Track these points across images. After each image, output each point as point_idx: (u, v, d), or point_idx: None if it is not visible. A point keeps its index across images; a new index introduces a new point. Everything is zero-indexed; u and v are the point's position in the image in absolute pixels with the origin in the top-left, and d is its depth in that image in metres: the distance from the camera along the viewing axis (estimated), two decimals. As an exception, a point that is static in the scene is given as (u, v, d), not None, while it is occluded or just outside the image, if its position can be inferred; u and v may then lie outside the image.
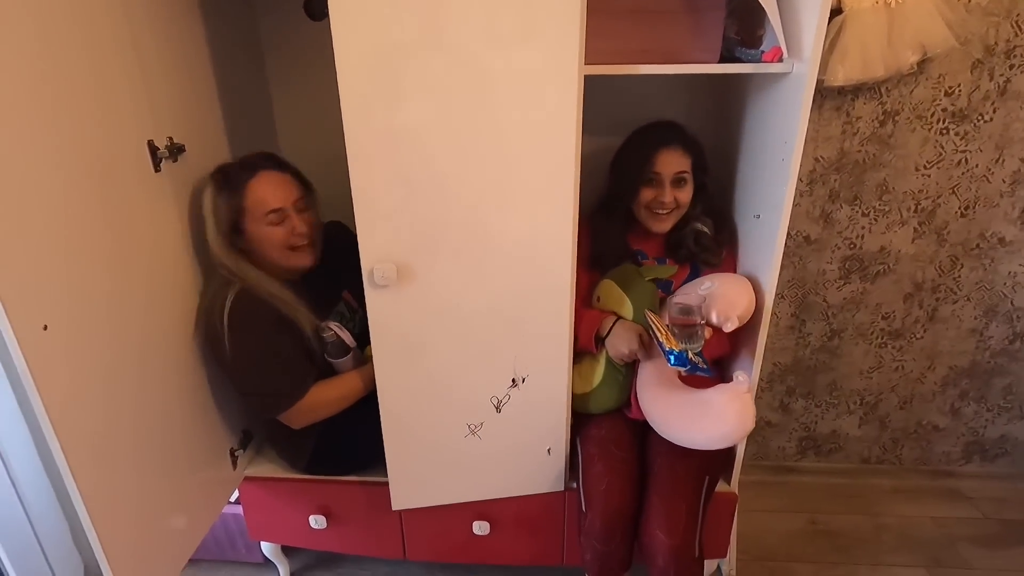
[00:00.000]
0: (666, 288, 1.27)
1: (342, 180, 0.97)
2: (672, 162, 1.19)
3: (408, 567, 1.61)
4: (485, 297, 1.10)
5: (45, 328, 0.81)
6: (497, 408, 1.20)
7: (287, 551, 1.58)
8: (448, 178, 1.00)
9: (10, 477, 1.37)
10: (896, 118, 1.49)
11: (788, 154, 1.03)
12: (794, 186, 1.04)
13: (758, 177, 1.18)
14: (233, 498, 1.45)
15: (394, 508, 1.27)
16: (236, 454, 1.33)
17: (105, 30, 0.95)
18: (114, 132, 0.96)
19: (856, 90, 1.45)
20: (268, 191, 1.14)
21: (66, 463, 0.84)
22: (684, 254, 1.27)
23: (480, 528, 1.38)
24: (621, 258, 1.28)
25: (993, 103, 1.46)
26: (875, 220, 1.60)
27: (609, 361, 1.23)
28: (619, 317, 1.22)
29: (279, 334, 1.16)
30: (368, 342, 1.12)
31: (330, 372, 1.26)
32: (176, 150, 1.10)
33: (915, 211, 1.59)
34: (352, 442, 1.33)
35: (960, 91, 1.45)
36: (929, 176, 1.55)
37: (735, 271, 1.27)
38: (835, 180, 1.56)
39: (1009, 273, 1.64)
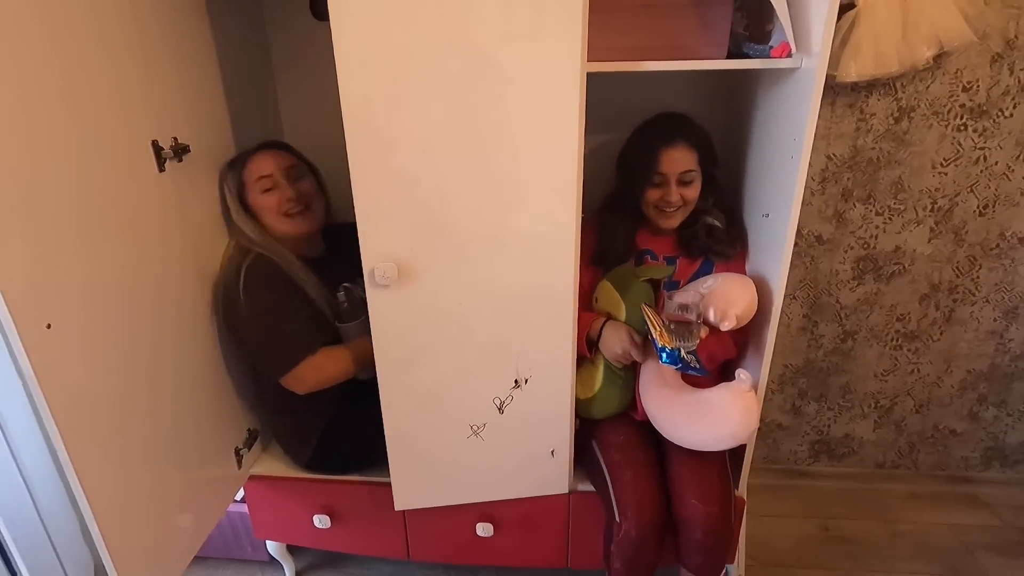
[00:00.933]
0: (673, 287, 1.25)
1: (349, 179, 0.97)
2: (677, 160, 1.17)
3: (413, 568, 1.61)
4: (487, 297, 1.09)
5: (49, 327, 0.82)
6: (500, 409, 1.19)
7: (293, 550, 1.58)
8: (449, 177, 0.99)
9: (21, 474, 1.39)
10: (912, 114, 1.45)
11: (797, 151, 1.00)
12: (803, 184, 1.02)
13: (767, 175, 1.16)
14: (239, 496, 1.46)
15: (397, 508, 1.26)
16: (241, 453, 1.34)
17: (114, 31, 0.95)
18: (119, 132, 0.97)
19: (870, 86, 1.42)
20: (260, 162, 1.23)
21: (69, 460, 0.85)
22: (697, 248, 1.25)
23: (484, 530, 1.37)
24: (626, 256, 1.26)
25: (1013, 98, 1.42)
26: (890, 219, 1.56)
27: (607, 366, 1.22)
28: (609, 318, 1.20)
29: (290, 297, 1.23)
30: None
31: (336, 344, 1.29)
32: (181, 150, 1.11)
33: (931, 210, 1.55)
34: (356, 440, 1.33)
35: (979, 86, 1.41)
36: (946, 174, 1.51)
37: (744, 269, 1.25)
38: (848, 178, 1.53)
39: (1030, 274, 1.60)
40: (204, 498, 1.22)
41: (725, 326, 1.02)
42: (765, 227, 1.17)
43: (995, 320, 1.65)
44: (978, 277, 1.61)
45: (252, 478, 1.39)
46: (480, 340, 1.12)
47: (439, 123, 0.96)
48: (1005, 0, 1.32)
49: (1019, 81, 1.40)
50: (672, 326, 1.06)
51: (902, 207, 1.55)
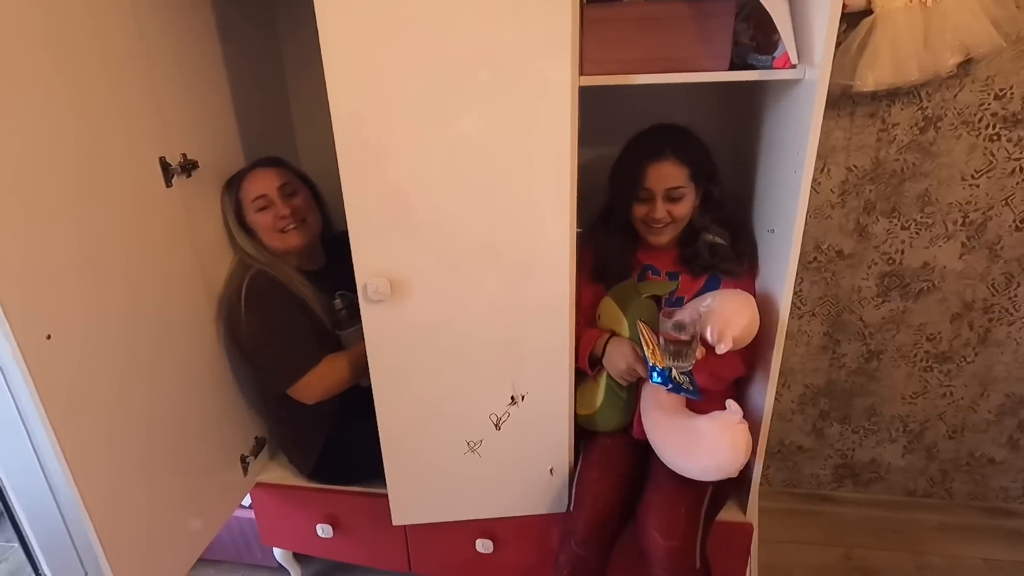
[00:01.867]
0: (677, 303, 1.21)
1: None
2: (663, 176, 1.12)
3: (417, 580, 1.60)
4: (481, 312, 1.08)
5: (48, 337, 0.85)
6: (496, 426, 1.18)
7: (299, 557, 1.60)
8: (440, 193, 0.99)
9: (45, 475, 1.45)
10: (938, 124, 1.38)
11: (800, 165, 0.96)
12: (807, 198, 0.98)
13: (773, 189, 1.12)
14: (248, 503, 1.48)
15: (395, 523, 1.26)
16: (247, 460, 1.36)
17: (120, 47, 0.99)
18: (125, 148, 1.00)
19: (891, 95, 1.35)
20: (254, 182, 1.25)
21: (66, 465, 0.88)
22: (700, 267, 1.21)
23: (483, 546, 1.35)
24: (625, 271, 1.23)
25: (1051, 106, 1.33)
26: (916, 233, 1.48)
27: (609, 384, 1.19)
28: (613, 335, 1.17)
29: (291, 310, 1.25)
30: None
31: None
32: (190, 166, 1.14)
33: (962, 224, 1.46)
34: (358, 452, 1.33)
35: (1012, 94, 1.33)
36: (978, 186, 1.42)
37: (753, 286, 1.20)
38: (870, 191, 1.46)
39: (1075, 292, 1.49)
40: (208, 503, 1.24)
41: (721, 348, 0.98)
42: (772, 243, 1.12)
43: (1036, 341, 1.54)
44: (1016, 296, 1.51)
45: (258, 485, 1.41)
46: (474, 357, 1.11)
47: (430, 139, 0.96)
48: (1039, 3, 1.25)
49: (1057, 88, 1.32)
50: (666, 345, 1.02)
51: (930, 221, 1.47)
